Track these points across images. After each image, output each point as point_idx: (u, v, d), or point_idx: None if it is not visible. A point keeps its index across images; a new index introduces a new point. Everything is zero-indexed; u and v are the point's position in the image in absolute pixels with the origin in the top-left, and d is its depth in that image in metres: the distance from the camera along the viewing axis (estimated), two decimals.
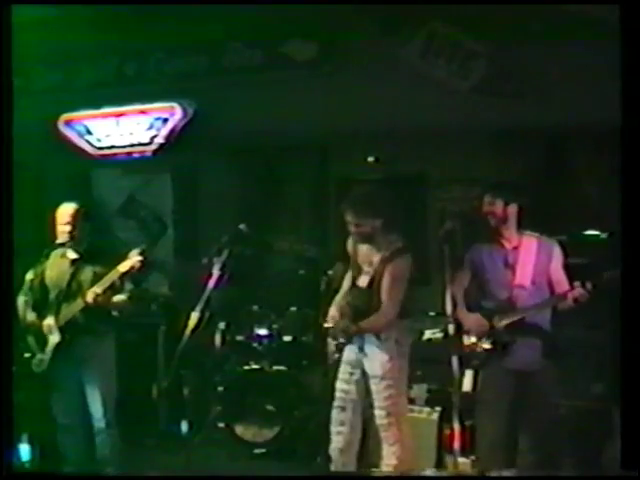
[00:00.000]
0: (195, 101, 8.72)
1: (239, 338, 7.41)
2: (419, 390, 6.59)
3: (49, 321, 5.72)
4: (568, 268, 5.52)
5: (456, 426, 5.10)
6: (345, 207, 5.62)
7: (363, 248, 5.70)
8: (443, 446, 6.22)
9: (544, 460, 5.37)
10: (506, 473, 5.43)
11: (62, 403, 5.83)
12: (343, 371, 5.75)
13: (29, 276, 5.88)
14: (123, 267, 5.53)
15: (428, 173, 8.49)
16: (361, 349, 5.64)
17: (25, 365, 5.76)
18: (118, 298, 5.69)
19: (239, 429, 7.00)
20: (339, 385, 5.74)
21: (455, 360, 5.08)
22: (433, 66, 7.83)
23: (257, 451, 6.92)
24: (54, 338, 5.69)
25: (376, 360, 5.57)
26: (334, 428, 5.75)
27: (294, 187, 8.90)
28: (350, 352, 5.73)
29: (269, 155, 8.98)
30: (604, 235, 6.90)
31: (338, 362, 6.71)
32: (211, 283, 5.66)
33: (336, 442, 5.74)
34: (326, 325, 5.81)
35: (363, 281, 5.65)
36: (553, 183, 7.82)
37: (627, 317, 4.19)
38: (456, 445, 5.16)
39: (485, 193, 5.59)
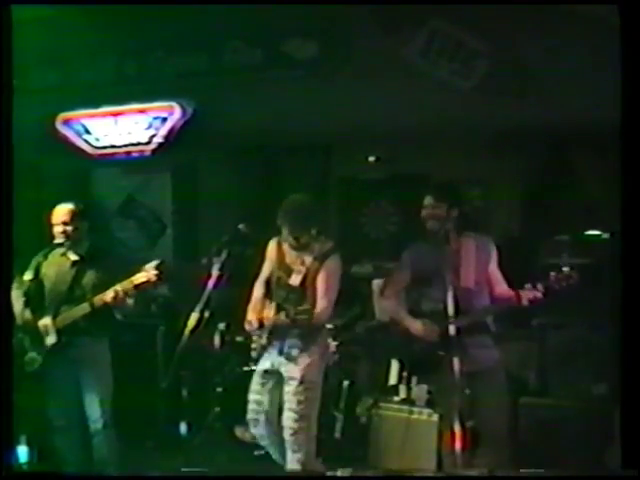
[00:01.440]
0: (194, 100, 8.69)
1: (239, 338, 7.39)
2: (420, 391, 6.57)
3: (46, 321, 5.70)
4: (501, 265, 5.53)
5: (457, 427, 5.08)
6: (283, 221, 5.58)
7: (291, 251, 5.69)
8: (444, 448, 6.19)
9: (503, 459, 5.34)
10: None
11: (59, 404, 5.81)
12: (256, 382, 5.69)
13: (27, 276, 5.86)
14: (138, 279, 5.46)
15: (428, 173, 8.49)
16: (281, 352, 5.57)
17: (22, 366, 5.74)
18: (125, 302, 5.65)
19: (239, 430, 6.98)
20: (252, 397, 5.67)
21: (456, 361, 5.06)
22: (434, 65, 7.82)
23: (257, 453, 6.89)
24: (50, 339, 5.67)
25: (298, 363, 5.53)
26: (259, 442, 5.74)
27: (294, 187, 8.88)
28: (265, 360, 5.66)
29: (269, 154, 8.97)
30: (605, 235, 6.90)
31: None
32: (211, 283, 5.65)
33: (268, 451, 5.75)
34: (252, 328, 5.68)
35: (295, 280, 5.59)
36: (554, 182, 7.82)
37: (627, 317, 4.18)
38: (457, 446, 5.13)
39: (427, 194, 5.51)
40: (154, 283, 5.52)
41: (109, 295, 5.49)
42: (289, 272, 5.65)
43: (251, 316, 5.72)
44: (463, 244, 5.47)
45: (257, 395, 5.66)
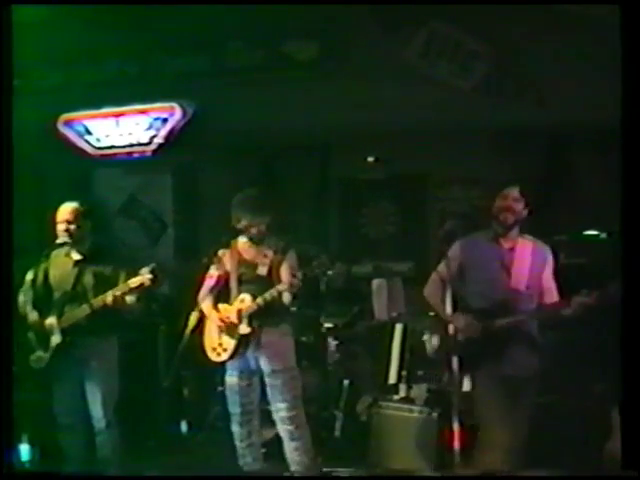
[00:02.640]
0: (195, 101, 8.70)
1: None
2: (419, 390, 6.58)
3: (51, 321, 5.70)
4: (557, 274, 5.41)
5: (456, 426, 5.08)
6: (239, 210, 5.65)
7: (252, 248, 5.74)
8: (443, 446, 6.19)
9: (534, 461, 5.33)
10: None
11: (63, 403, 5.80)
12: (235, 384, 5.69)
13: (30, 276, 5.86)
14: (133, 283, 5.49)
15: (428, 173, 8.51)
16: (259, 343, 5.59)
17: (25, 365, 5.75)
18: (127, 300, 5.66)
19: None
20: (236, 399, 5.69)
21: (455, 360, 5.06)
22: (434, 66, 7.82)
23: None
24: (55, 338, 5.68)
25: (277, 354, 5.60)
26: (241, 443, 5.73)
27: (294, 187, 8.90)
28: (238, 361, 5.66)
29: (269, 155, 8.98)
30: (604, 235, 6.90)
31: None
32: (211, 283, 5.67)
33: (248, 453, 5.75)
34: (224, 323, 5.66)
35: (262, 270, 5.64)
36: (553, 182, 7.83)
37: (627, 317, 4.19)
38: (456, 445, 5.14)
39: (511, 186, 5.39)
40: (149, 286, 5.53)
41: (107, 298, 5.53)
42: (253, 266, 5.68)
43: (221, 316, 5.68)
44: (519, 245, 5.38)
45: (243, 397, 5.68)
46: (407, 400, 6.59)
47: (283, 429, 5.65)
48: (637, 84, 4.23)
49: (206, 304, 5.73)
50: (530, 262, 5.33)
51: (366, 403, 6.90)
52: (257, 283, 5.61)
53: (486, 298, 5.33)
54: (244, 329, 5.56)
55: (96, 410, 5.70)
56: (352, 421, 6.88)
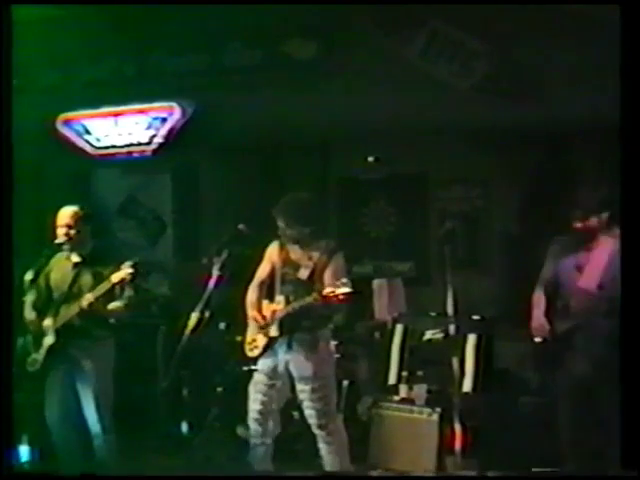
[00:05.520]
0: (194, 100, 8.69)
1: (239, 338, 7.40)
2: (419, 391, 6.57)
3: (47, 322, 5.70)
4: None
5: (457, 427, 5.08)
6: (276, 213, 5.71)
7: (296, 248, 5.76)
8: (444, 447, 6.18)
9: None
10: None
11: (57, 406, 5.77)
12: (259, 381, 5.72)
13: (29, 276, 5.84)
14: (115, 278, 5.50)
15: (428, 173, 8.51)
16: (290, 346, 5.62)
17: (24, 365, 5.74)
18: (114, 305, 5.63)
19: (239, 430, 6.98)
20: (257, 397, 5.71)
21: (455, 361, 5.05)
22: (434, 65, 7.81)
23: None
24: (49, 339, 5.67)
25: (308, 360, 5.59)
26: (255, 440, 5.76)
27: (294, 187, 8.87)
28: (268, 360, 5.70)
29: (269, 155, 8.97)
30: None
31: None
32: (211, 283, 5.67)
33: (259, 451, 5.78)
34: (260, 322, 5.73)
35: (303, 273, 5.66)
36: (553, 182, 7.83)
37: (627, 317, 4.18)
38: (457, 446, 5.13)
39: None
40: (130, 281, 5.53)
41: (94, 295, 5.52)
42: (296, 267, 5.72)
43: (255, 313, 5.77)
44: (601, 243, 5.21)
45: (263, 396, 5.69)
46: (407, 401, 6.58)
47: (315, 431, 5.68)
48: (637, 84, 4.23)
49: (251, 298, 5.84)
50: (608, 259, 5.12)
51: (366, 404, 6.90)
52: (296, 286, 5.65)
53: (560, 299, 5.28)
54: (273, 332, 5.64)
55: (91, 414, 5.66)
56: (352, 422, 6.86)
